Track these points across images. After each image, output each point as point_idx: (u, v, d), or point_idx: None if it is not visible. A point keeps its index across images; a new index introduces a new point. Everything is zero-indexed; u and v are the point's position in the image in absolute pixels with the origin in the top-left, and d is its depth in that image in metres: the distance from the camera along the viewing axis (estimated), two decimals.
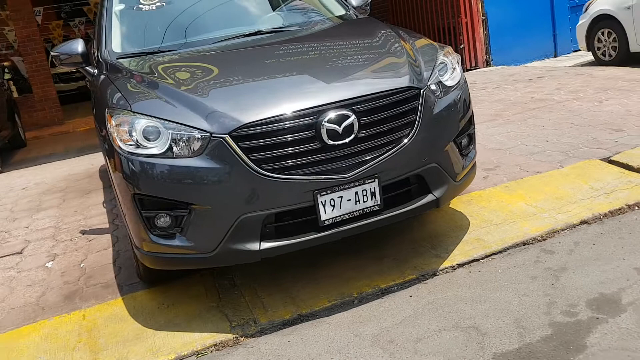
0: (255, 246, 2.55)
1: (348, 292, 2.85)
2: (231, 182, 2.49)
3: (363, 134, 2.58)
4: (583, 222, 3.21)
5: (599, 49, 8.05)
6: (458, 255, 3.05)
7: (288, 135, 2.49)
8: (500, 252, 3.05)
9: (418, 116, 2.70)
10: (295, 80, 2.79)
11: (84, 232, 4.19)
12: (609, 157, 3.99)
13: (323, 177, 2.54)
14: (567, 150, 4.28)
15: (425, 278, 2.91)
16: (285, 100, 2.55)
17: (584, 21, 8.21)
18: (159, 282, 3.16)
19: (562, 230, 3.17)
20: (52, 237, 4.21)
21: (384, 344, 2.44)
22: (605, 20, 7.78)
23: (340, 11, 3.92)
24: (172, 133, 2.53)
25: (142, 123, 2.57)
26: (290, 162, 2.51)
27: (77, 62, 3.60)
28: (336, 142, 2.53)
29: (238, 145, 2.46)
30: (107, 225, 4.27)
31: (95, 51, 3.59)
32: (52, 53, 3.74)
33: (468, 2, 9.49)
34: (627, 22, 7.41)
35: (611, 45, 7.81)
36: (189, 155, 2.51)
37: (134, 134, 2.57)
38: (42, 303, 3.22)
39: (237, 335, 2.65)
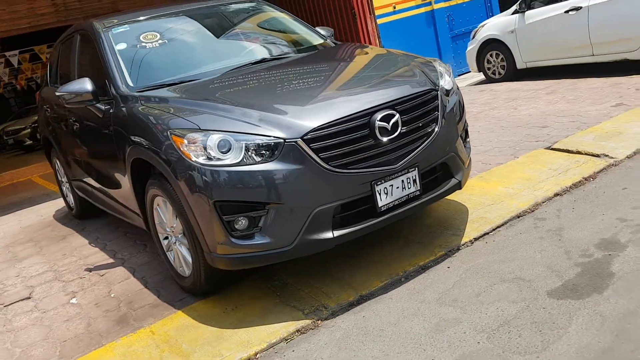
0: (329, 235, 2.90)
1: (394, 272, 3.26)
2: (305, 180, 2.83)
3: (404, 130, 3.05)
4: (556, 195, 3.89)
5: (489, 69, 9.20)
6: (471, 231, 3.57)
7: (348, 135, 2.90)
8: (502, 224, 3.62)
9: (439, 113, 3.24)
10: (341, 89, 3.22)
11: (90, 270, 4.21)
12: (550, 146, 4.79)
13: (378, 168, 2.97)
14: (513, 146, 5.04)
15: (453, 253, 3.39)
16: (341, 106, 2.97)
17: (473, 46, 9.35)
18: (215, 291, 3.36)
19: (543, 202, 3.82)
20: (56, 279, 4.18)
21: (450, 303, 2.88)
22: (492, 44, 8.95)
23: (319, 40, 4.40)
24: (244, 143, 2.84)
25: (215, 138, 2.85)
26: (351, 158, 2.91)
27: (87, 100, 3.74)
28: (386, 138, 2.98)
29: (309, 147, 2.83)
30: (111, 260, 4.32)
31: (109, 88, 3.74)
32: (57, 93, 3.83)
33: (368, 38, 10.39)
34: (512, 44, 8.60)
35: (500, 64, 8.98)
36: (264, 160, 2.82)
37: (209, 148, 2.84)
38: (95, 331, 3.28)
39: (314, 320, 2.96)
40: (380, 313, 2.93)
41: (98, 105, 3.79)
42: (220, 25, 4.39)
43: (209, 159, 2.85)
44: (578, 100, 6.22)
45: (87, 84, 3.71)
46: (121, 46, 3.92)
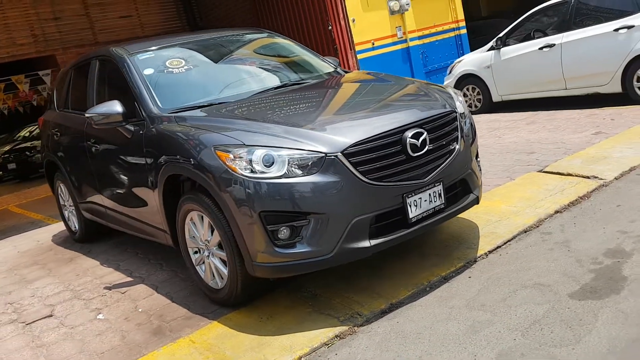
0: (366, 243, 3.11)
1: (419, 282, 3.47)
2: (345, 191, 3.05)
3: (431, 147, 3.31)
4: (557, 212, 4.19)
5: (466, 102, 9.66)
6: (484, 245, 3.82)
7: (383, 150, 3.14)
8: (512, 238, 3.89)
9: (459, 133, 3.51)
10: (372, 109, 3.48)
11: (109, 288, 4.28)
12: (542, 169, 5.13)
13: (409, 182, 3.21)
14: (506, 170, 5.37)
15: (471, 264, 3.63)
16: (376, 124, 3.22)
17: (449, 81, 9.81)
18: (248, 301, 3.49)
19: (545, 218, 4.11)
20: (75, 298, 4.23)
21: (479, 307, 3.10)
22: (469, 78, 9.43)
23: (330, 68, 4.67)
24: (287, 158, 3.04)
25: (259, 152, 3.05)
26: (385, 172, 3.15)
27: (117, 121, 3.89)
28: (415, 154, 3.22)
29: (349, 161, 3.05)
30: (129, 279, 4.40)
31: (139, 110, 3.89)
32: (87, 115, 3.96)
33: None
34: (488, 78, 9.09)
35: (476, 97, 9.45)
36: (306, 173, 3.03)
37: (254, 162, 3.04)
38: (131, 342, 3.37)
39: (350, 326, 3.13)
40: (413, 318, 3.12)
41: (127, 126, 3.94)
42: (239, 53, 4.62)
43: (253, 172, 3.04)
44: (558, 130, 6.65)
45: (117, 106, 3.87)
46: (148, 71, 4.10)
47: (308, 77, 4.39)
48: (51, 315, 4.01)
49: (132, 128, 3.94)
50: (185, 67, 4.18)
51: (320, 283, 3.65)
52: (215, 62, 4.46)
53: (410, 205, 3.22)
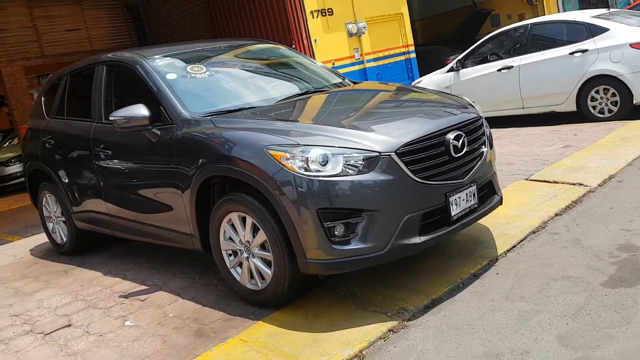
0: (417, 240, 3.25)
1: (452, 280, 3.64)
2: (398, 189, 3.19)
3: (468, 149, 3.52)
4: (556, 215, 4.50)
5: None
6: (501, 245, 4.06)
7: (430, 150, 3.32)
8: (524, 238, 4.14)
9: (486, 137, 3.75)
10: (414, 112, 3.66)
11: (125, 297, 4.18)
12: (528, 178, 5.48)
13: (452, 181, 3.40)
14: None
15: (494, 262, 3.84)
16: (422, 125, 3.40)
17: None
18: (291, 301, 3.54)
19: (548, 220, 4.41)
20: (90, 307, 4.10)
21: (519, 299, 3.30)
22: None
23: (338, 79, 4.83)
24: (342, 157, 3.15)
25: (316, 151, 3.15)
26: (432, 171, 3.32)
27: (143, 124, 3.86)
28: (456, 155, 3.42)
29: (401, 160, 3.20)
30: (144, 287, 4.31)
31: (166, 114, 3.88)
32: (111, 117, 3.90)
33: None
34: None
35: None
36: (361, 171, 3.15)
37: (310, 161, 3.13)
38: (176, 345, 3.33)
39: (400, 321, 3.25)
40: (458, 312, 3.28)
41: (153, 130, 3.91)
42: (253, 61, 4.70)
43: (308, 170, 3.12)
44: (527, 144, 7.09)
45: (143, 110, 3.84)
46: (171, 76, 4.10)
47: (324, 86, 4.52)
48: (70, 325, 3.87)
49: (158, 132, 3.91)
50: (207, 73, 4.21)
51: (356, 283, 3.74)
52: (233, 69, 4.52)
53: (452, 204, 3.40)
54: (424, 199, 3.28)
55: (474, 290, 3.50)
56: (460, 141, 3.44)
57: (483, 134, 3.75)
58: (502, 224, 4.42)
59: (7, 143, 15.55)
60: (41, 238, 6.84)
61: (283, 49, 5.11)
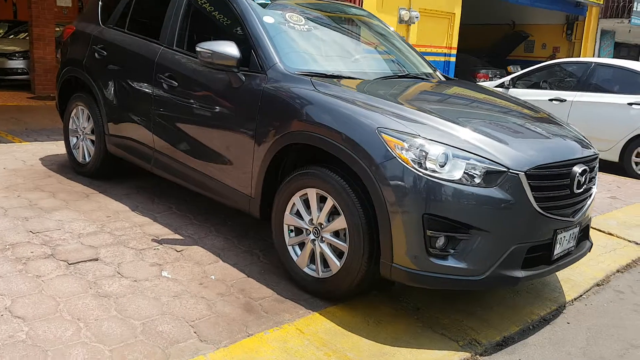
0: (518, 273, 2.93)
1: (523, 319, 3.35)
2: (515, 213, 2.86)
3: (585, 187, 3.20)
4: (618, 271, 4.27)
5: None
6: (568, 291, 3.79)
7: (556, 180, 3.00)
8: (590, 289, 3.89)
9: (595, 175, 3.44)
10: (544, 132, 3.32)
11: (158, 242, 3.79)
12: None
13: (564, 218, 3.08)
14: None
15: (562, 309, 3.57)
16: (554, 149, 3.10)
17: None
18: (351, 298, 3.21)
19: (611, 275, 4.16)
20: (120, 244, 3.70)
21: (598, 359, 3.04)
22: None
23: (430, 70, 4.45)
24: (466, 162, 2.80)
25: (438, 149, 2.80)
26: (551, 203, 3.00)
27: (229, 65, 3.46)
28: (577, 191, 3.10)
29: (528, 183, 2.86)
30: (179, 237, 3.92)
31: (258, 60, 3.47)
32: (198, 48, 3.47)
33: None
34: None
35: None
36: (484, 184, 2.80)
37: (429, 159, 2.78)
38: (223, 315, 2.98)
39: (472, 354, 2.94)
40: (534, 358, 2.99)
41: (239, 74, 3.51)
42: (350, 27, 4.29)
43: (422, 167, 2.78)
44: None
45: (234, 49, 3.43)
46: (269, 19, 3.68)
47: (423, 73, 4.15)
48: (97, 259, 3.48)
49: (243, 77, 3.51)
50: (306, 27, 3.80)
51: (419, 296, 3.42)
52: (329, 30, 4.10)
53: (557, 242, 3.09)
54: (536, 231, 2.96)
55: (547, 337, 3.22)
56: (584, 177, 3.13)
57: (596, 172, 3.44)
58: (567, 270, 4.14)
59: (12, 36, 14.76)
60: (49, 147, 6.39)
61: (382, 25, 4.69)
